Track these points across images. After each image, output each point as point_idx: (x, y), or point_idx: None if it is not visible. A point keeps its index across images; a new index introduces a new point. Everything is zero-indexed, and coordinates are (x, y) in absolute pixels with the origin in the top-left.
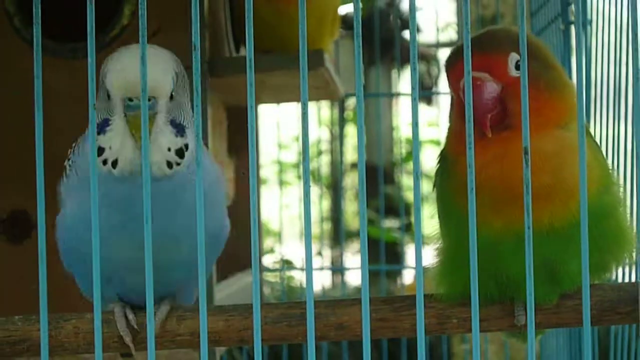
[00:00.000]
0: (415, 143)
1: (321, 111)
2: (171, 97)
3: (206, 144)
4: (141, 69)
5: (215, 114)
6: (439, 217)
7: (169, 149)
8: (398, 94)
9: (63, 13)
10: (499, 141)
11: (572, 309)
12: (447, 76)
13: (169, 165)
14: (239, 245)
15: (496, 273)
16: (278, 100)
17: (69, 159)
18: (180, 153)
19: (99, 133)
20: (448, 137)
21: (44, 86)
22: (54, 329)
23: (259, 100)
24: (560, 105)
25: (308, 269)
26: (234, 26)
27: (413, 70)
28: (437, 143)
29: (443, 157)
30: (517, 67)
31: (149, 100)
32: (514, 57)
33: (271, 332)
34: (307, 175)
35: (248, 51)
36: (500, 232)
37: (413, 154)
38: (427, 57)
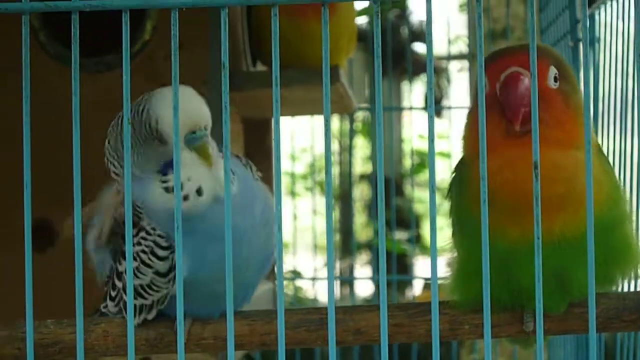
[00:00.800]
0: (431, 157)
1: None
2: None
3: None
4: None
5: (232, 126)
6: (453, 226)
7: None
8: (411, 108)
9: (87, 28)
10: (517, 146)
11: (578, 317)
12: (486, 71)
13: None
14: None
15: (509, 281)
16: (293, 113)
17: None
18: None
19: (165, 174)
20: (467, 142)
21: (68, 99)
22: (84, 332)
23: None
24: (581, 128)
25: (330, 276)
26: (251, 41)
27: (429, 90)
28: (447, 156)
29: (460, 165)
30: (555, 80)
31: (195, 132)
32: (553, 70)
33: (291, 337)
34: (329, 188)
35: (274, 69)
36: (515, 240)
37: (429, 168)
38: (436, 69)
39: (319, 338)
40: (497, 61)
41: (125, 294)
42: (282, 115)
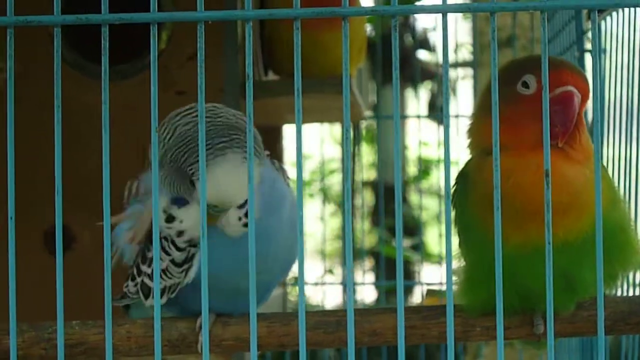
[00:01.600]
0: (446, 165)
1: (333, 130)
2: None
3: None
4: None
5: None
6: (459, 234)
7: None
8: (419, 116)
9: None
10: (537, 153)
11: (586, 319)
12: (537, 76)
13: None
14: None
15: (517, 285)
16: (303, 121)
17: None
18: None
19: (173, 203)
20: (479, 139)
21: (84, 107)
22: (104, 333)
23: (285, 121)
24: (590, 148)
25: (349, 279)
26: (264, 50)
27: (445, 100)
28: (454, 163)
29: (463, 173)
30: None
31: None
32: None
33: (309, 338)
34: (349, 194)
35: (296, 80)
36: (518, 246)
37: (445, 174)
38: (440, 77)
39: (336, 339)
40: (554, 70)
41: (148, 278)
42: (292, 122)
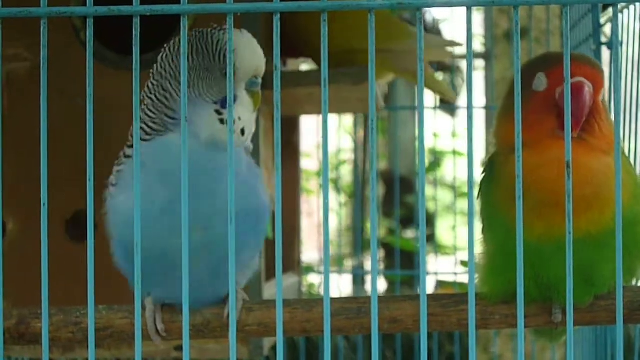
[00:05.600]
0: (469, 156)
1: (344, 121)
2: None
3: (258, 151)
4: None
5: (265, 124)
6: (484, 222)
7: None
8: (435, 108)
9: (124, 27)
10: (557, 147)
11: (604, 309)
12: (547, 72)
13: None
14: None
15: (536, 275)
16: (317, 112)
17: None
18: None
19: (223, 107)
20: (503, 137)
21: (107, 96)
22: (129, 317)
23: (303, 111)
24: (612, 137)
25: (374, 267)
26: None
27: (469, 92)
28: (461, 154)
29: (491, 162)
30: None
31: (258, 78)
32: (604, 89)
33: (331, 325)
34: (374, 183)
35: (323, 71)
36: (541, 237)
37: (468, 166)
38: (451, 68)
39: (357, 326)
40: (561, 65)
41: None
42: (310, 113)
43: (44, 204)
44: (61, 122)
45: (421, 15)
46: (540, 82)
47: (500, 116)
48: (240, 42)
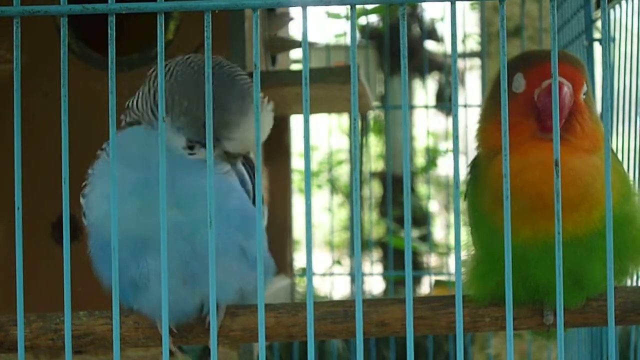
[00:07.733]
0: (455, 154)
1: (341, 120)
2: None
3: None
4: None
5: None
6: (470, 225)
7: None
8: (427, 107)
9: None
10: (541, 148)
11: (596, 310)
12: (524, 72)
13: None
14: (272, 251)
15: (524, 278)
16: (311, 111)
17: (102, 148)
18: None
19: (192, 148)
20: (486, 139)
21: (92, 96)
22: (110, 323)
23: (293, 111)
24: (599, 136)
25: (357, 270)
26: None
27: (454, 90)
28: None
29: (475, 164)
30: (584, 94)
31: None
32: (585, 86)
33: (317, 329)
34: (357, 185)
35: (304, 69)
36: (527, 240)
37: (454, 165)
38: (448, 67)
39: (344, 330)
40: (538, 66)
41: None
42: (300, 113)
43: (18, 208)
44: (48, 124)
45: (404, 11)
46: (519, 83)
47: (482, 119)
48: (245, 120)
